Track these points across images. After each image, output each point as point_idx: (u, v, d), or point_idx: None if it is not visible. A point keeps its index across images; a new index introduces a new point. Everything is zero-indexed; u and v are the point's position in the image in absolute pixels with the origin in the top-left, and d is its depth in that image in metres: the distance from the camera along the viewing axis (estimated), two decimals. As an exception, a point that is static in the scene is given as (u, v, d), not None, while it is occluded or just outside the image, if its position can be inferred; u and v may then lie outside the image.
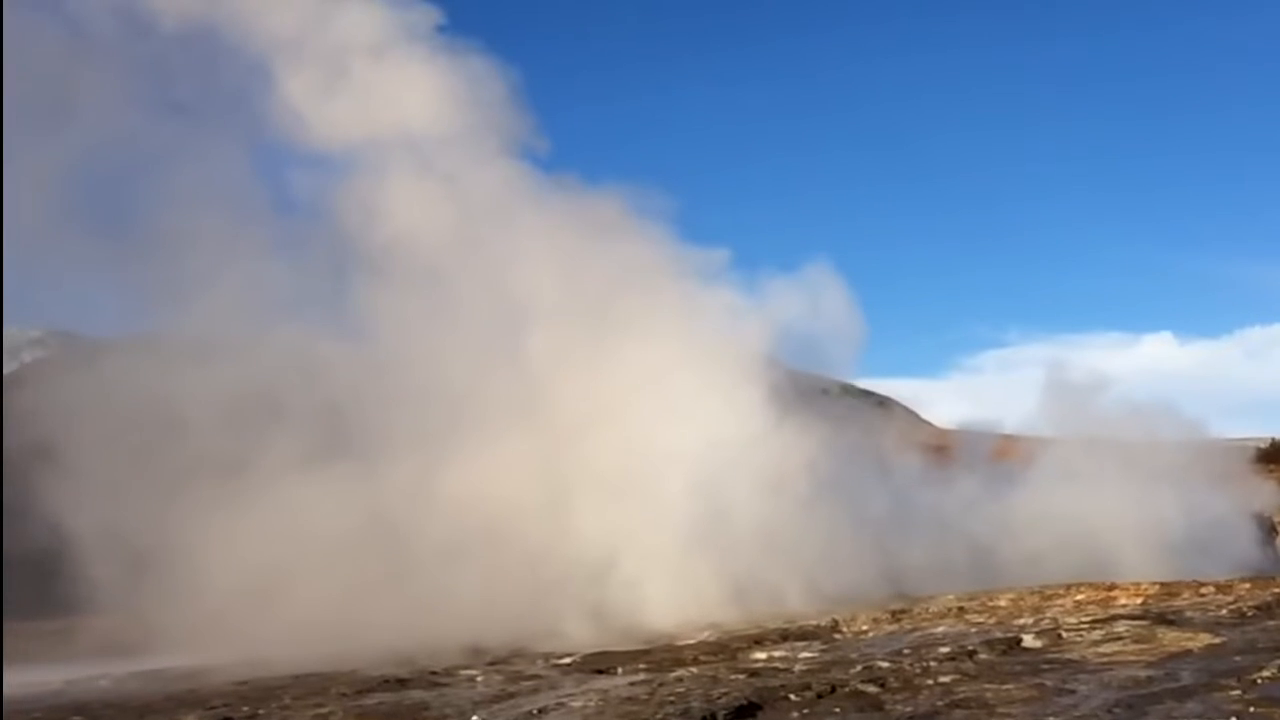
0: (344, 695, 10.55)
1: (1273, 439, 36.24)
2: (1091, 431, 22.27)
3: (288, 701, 10.44)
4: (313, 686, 11.07)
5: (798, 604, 15.68)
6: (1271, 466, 27.80)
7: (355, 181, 19.00)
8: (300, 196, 19.97)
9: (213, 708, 10.39)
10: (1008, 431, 27.11)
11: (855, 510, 17.67)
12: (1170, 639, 10.75)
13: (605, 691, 9.87)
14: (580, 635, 13.98)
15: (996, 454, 25.17)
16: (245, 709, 10.18)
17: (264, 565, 15.10)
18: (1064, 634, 11.51)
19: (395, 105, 19.00)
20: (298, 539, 15.28)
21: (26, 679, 12.71)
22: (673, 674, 10.68)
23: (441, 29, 19.68)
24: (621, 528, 15.92)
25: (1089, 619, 12.44)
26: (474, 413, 16.78)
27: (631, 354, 17.19)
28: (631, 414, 16.71)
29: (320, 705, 10.19)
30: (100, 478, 15.37)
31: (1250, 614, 12.09)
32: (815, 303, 20.42)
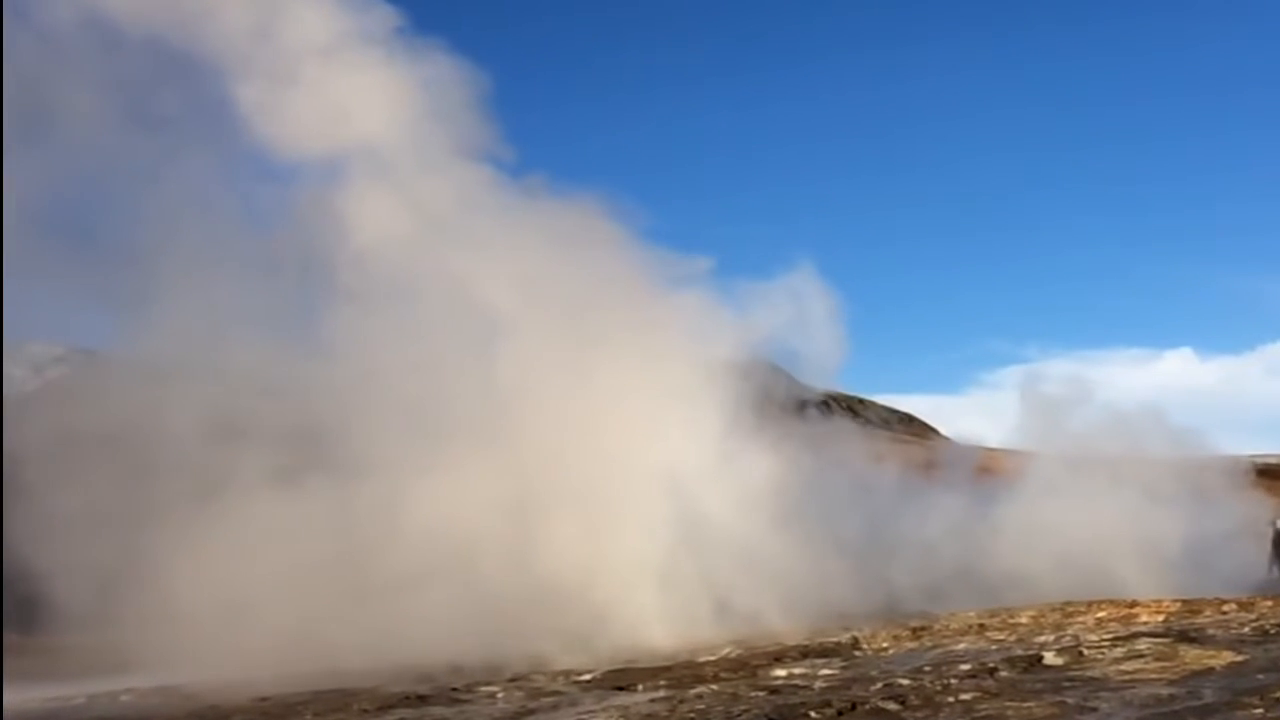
0: (365, 712, 10.60)
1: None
2: (1072, 445, 21.92)
3: (309, 718, 10.50)
4: (333, 703, 11.11)
5: (778, 623, 15.44)
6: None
7: (315, 193, 18.56)
8: (262, 210, 19.43)
9: (234, 724, 10.49)
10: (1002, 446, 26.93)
11: (831, 529, 17.37)
12: (1192, 657, 10.70)
13: (625, 708, 9.88)
14: (560, 658, 13.67)
15: (984, 469, 24.92)
16: (267, 725, 10.28)
17: (237, 585, 14.72)
18: (1085, 651, 11.46)
19: (356, 113, 18.53)
20: (268, 559, 14.93)
21: (46, 694, 12.82)
22: (693, 691, 10.68)
23: (401, 31, 19.15)
24: (595, 548, 15.61)
25: (1110, 636, 12.39)
26: (442, 430, 16.40)
27: (602, 369, 16.86)
28: (602, 431, 16.36)
29: (341, 721, 10.27)
30: (68, 500, 15.01)
31: (1273, 631, 12.01)
32: (798, 310, 20.09)
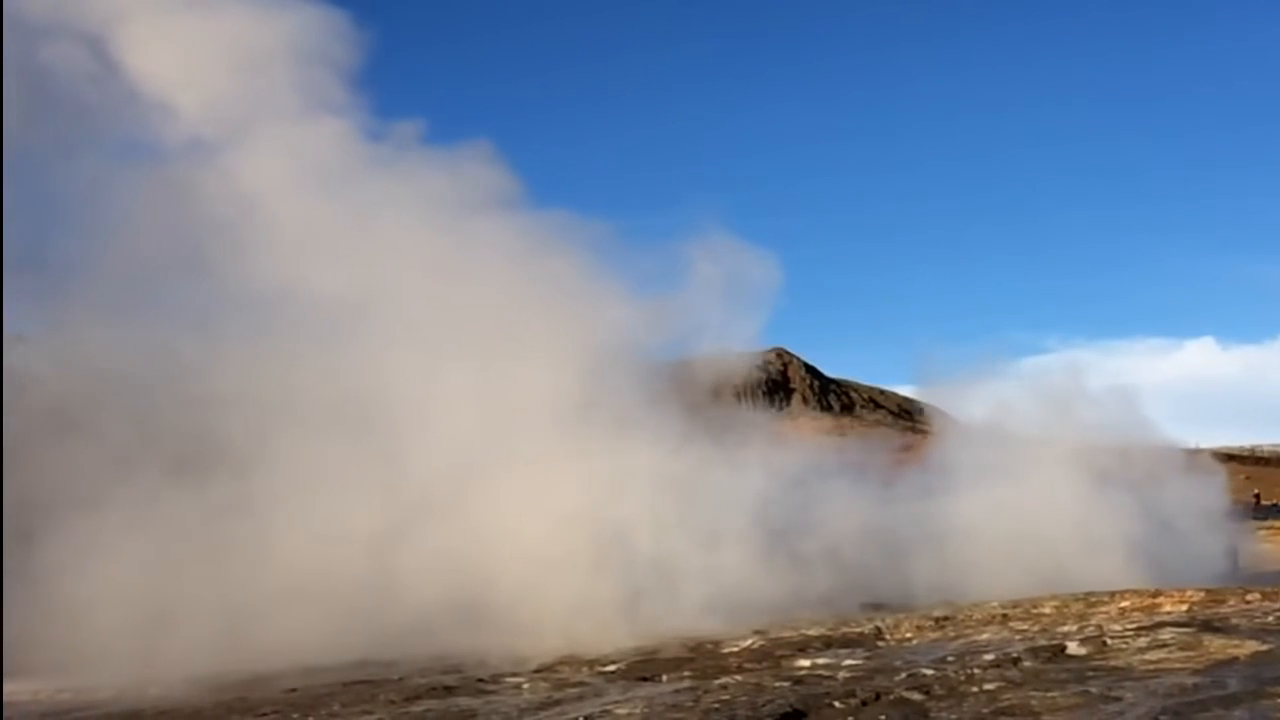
0: (391, 703, 10.68)
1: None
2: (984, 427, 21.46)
3: (336, 709, 10.58)
4: (361, 694, 11.20)
5: (686, 623, 14.58)
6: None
7: (163, 171, 17.15)
8: (111, 187, 17.25)
9: (263, 714, 10.56)
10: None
11: (732, 523, 16.19)
12: (1216, 646, 10.71)
13: (650, 699, 9.94)
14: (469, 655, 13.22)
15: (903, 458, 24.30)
16: (295, 716, 10.34)
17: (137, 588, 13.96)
18: (1109, 641, 11.48)
19: (200, 75, 17.16)
20: (161, 562, 14.15)
21: (77, 685, 12.91)
22: (717, 681, 10.74)
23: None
24: (474, 554, 14.75)
25: (1134, 626, 12.40)
26: (302, 432, 15.25)
27: (477, 360, 15.92)
28: (478, 429, 15.48)
29: (369, 712, 10.34)
30: None
31: (1297, 621, 12.01)
32: (714, 277, 18.72)
